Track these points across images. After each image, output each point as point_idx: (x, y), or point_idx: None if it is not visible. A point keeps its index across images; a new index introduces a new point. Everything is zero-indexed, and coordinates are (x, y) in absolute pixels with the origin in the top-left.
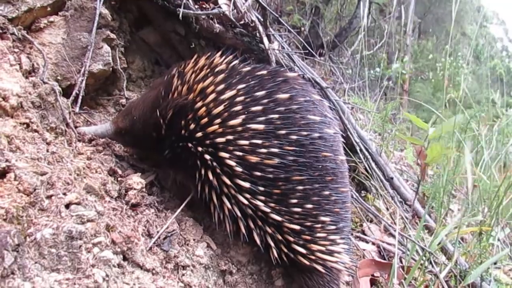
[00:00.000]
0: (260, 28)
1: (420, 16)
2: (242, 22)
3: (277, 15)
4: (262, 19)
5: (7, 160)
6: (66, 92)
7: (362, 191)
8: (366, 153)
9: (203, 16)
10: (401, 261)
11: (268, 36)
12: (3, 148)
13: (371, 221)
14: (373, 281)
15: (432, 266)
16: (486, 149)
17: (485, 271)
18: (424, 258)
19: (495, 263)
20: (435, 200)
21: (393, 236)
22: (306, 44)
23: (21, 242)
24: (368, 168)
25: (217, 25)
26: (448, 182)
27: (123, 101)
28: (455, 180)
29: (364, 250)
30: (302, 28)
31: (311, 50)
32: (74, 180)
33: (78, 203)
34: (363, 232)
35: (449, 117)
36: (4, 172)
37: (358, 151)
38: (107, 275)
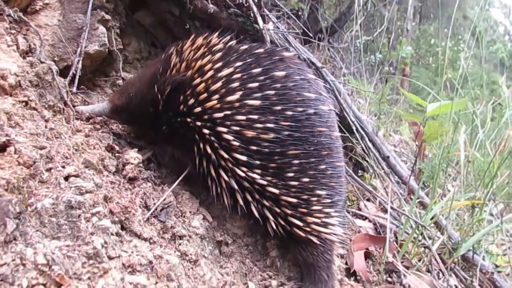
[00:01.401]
0: (254, 8)
1: (421, 0)
2: (236, 3)
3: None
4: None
5: (7, 135)
6: (63, 73)
7: (359, 171)
8: (362, 133)
9: None
10: (395, 236)
11: (262, 17)
12: (2, 123)
13: (367, 200)
14: (367, 255)
15: (425, 240)
16: (481, 128)
17: (477, 244)
18: (417, 232)
19: (488, 237)
20: (430, 177)
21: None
22: (305, 29)
23: (22, 210)
24: (364, 148)
25: (211, 5)
26: (443, 159)
27: (120, 82)
28: (450, 158)
29: (360, 227)
30: (300, 13)
31: (310, 35)
32: (72, 155)
33: (76, 176)
34: (359, 210)
35: (448, 98)
36: (4, 146)
37: (355, 130)
38: (105, 242)
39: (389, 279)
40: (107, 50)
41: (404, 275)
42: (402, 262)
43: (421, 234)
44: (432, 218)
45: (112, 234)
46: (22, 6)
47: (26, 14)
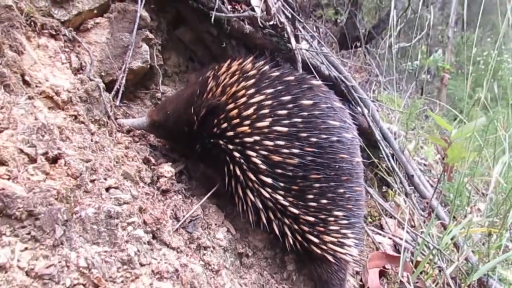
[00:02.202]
0: (288, 28)
1: (464, 7)
2: (271, 23)
3: (301, 20)
4: (290, 20)
5: (58, 148)
6: (109, 86)
7: (384, 186)
8: (387, 151)
9: (235, 18)
10: (412, 256)
11: (296, 36)
12: (55, 137)
13: (391, 216)
14: (382, 273)
15: (440, 262)
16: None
17: (492, 270)
18: (432, 253)
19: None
20: (451, 199)
21: (407, 232)
22: (341, 36)
23: (69, 218)
24: (389, 165)
25: (247, 26)
26: (463, 183)
27: (159, 95)
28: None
29: (379, 243)
30: (338, 20)
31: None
32: (113, 167)
33: (116, 187)
34: (380, 226)
35: (477, 117)
36: (56, 159)
37: (381, 148)
38: (138, 250)
39: None
40: (148, 65)
41: None
42: (416, 283)
43: (437, 255)
44: (452, 239)
45: (144, 243)
46: (76, 25)
47: (78, 32)
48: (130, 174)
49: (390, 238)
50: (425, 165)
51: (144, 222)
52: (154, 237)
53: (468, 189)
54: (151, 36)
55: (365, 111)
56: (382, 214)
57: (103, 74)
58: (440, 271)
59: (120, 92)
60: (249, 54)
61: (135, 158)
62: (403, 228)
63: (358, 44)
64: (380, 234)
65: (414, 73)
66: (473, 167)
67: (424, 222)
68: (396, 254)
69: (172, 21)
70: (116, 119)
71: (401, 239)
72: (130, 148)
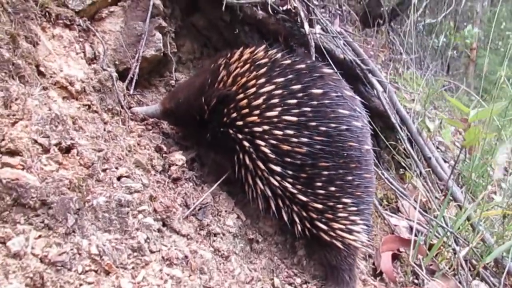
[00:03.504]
0: (302, 13)
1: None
2: (284, 8)
3: (316, 3)
4: (304, 4)
5: (71, 138)
6: (123, 74)
7: (401, 169)
8: (403, 134)
9: (247, 5)
10: (426, 238)
11: (310, 21)
12: (68, 128)
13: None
14: (396, 256)
15: (457, 244)
16: None
17: (507, 251)
18: (447, 236)
19: None
20: (467, 180)
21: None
22: (364, 14)
23: (81, 207)
24: (406, 148)
25: (260, 12)
26: (479, 165)
27: (173, 82)
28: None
29: (395, 225)
30: None
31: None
32: (125, 156)
33: (127, 176)
34: (397, 209)
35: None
36: (69, 149)
37: (398, 130)
38: (148, 238)
39: (416, 281)
40: (162, 53)
41: (427, 280)
42: (430, 265)
43: (451, 238)
44: (468, 220)
45: (154, 230)
46: (90, 14)
47: (93, 21)
48: (142, 162)
49: (406, 220)
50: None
51: (155, 210)
52: (164, 225)
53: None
54: (164, 24)
55: (381, 93)
56: (398, 197)
57: (117, 62)
58: (454, 253)
59: (134, 80)
60: (263, 40)
61: (147, 147)
62: (419, 212)
63: (382, 22)
64: (395, 217)
65: (440, 50)
66: (493, 147)
67: (440, 205)
68: (409, 237)
69: (186, 8)
70: (129, 107)
71: (416, 222)
72: (143, 137)
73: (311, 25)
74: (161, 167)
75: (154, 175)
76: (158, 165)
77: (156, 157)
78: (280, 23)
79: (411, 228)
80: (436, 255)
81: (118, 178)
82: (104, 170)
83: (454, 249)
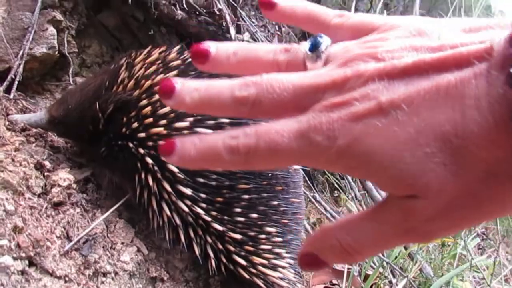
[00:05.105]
0: (227, 17)
1: (425, 12)
2: (208, 10)
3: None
4: (231, 8)
5: None
6: (4, 75)
7: (335, 191)
8: None
9: (164, 1)
10: (361, 269)
11: (238, 26)
12: None
13: None
14: None
15: (393, 276)
16: None
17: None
18: (383, 266)
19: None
20: None
21: None
22: (303, 36)
23: None
24: None
25: (179, 11)
26: None
27: (72, 87)
28: None
29: None
30: None
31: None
32: None
33: None
34: None
35: None
36: None
37: None
38: (2, 284)
39: None
40: (57, 53)
41: None
42: None
43: (388, 268)
44: (406, 249)
45: (13, 273)
46: None
47: None
48: (12, 183)
49: None
50: None
51: (18, 246)
52: (32, 264)
53: None
54: (60, 17)
55: None
56: (332, 221)
57: None
58: (391, 285)
59: (16, 82)
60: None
61: (24, 163)
62: None
63: None
64: None
65: None
66: None
67: None
68: (343, 268)
69: (94, 3)
70: (7, 114)
71: None
72: (21, 151)
73: (238, 31)
74: (40, 188)
75: (29, 198)
76: (37, 186)
77: (34, 176)
78: (203, 26)
79: None
80: (371, 287)
81: None
82: None
83: (390, 281)
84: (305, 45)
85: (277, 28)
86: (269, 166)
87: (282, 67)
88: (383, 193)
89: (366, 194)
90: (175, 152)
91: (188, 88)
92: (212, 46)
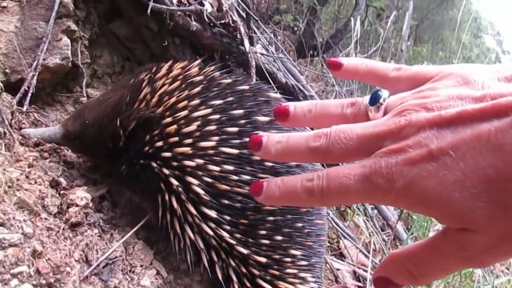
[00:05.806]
0: (242, 29)
1: (417, 22)
2: (222, 22)
3: (256, 18)
4: (245, 20)
5: None
6: (15, 86)
7: (342, 206)
8: None
9: (179, 13)
10: None
11: (250, 38)
12: None
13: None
14: None
15: None
16: None
17: None
18: None
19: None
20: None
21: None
22: (299, 44)
23: None
24: None
25: (194, 23)
26: None
27: (84, 99)
28: None
29: (338, 270)
30: (295, 28)
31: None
32: (3, 194)
33: (1, 224)
34: (339, 251)
35: None
36: None
37: None
38: None
39: None
40: (70, 63)
41: None
42: None
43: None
44: None
45: None
46: None
47: None
48: (28, 202)
49: (349, 264)
50: None
51: (38, 272)
52: None
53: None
54: (74, 27)
55: None
56: (340, 237)
57: (7, 71)
58: None
59: (29, 94)
60: (196, 55)
61: (39, 180)
62: (363, 254)
63: (316, 53)
64: (337, 261)
65: (369, 85)
66: None
67: (389, 244)
68: (358, 285)
69: (106, 13)
70: (20, 128)
71: (363, 267)
72: (35, 167)
73: (251, 44)
74: (56, 208)
75: (45, 219)
76: (52, 205)
77: (50, 195)
78: (217, 38)
79: (354, 272)
80: None
81: None
82: None
83: None
84: (366, 99)
85: (273, 36)
86: (340, 203)
87: (349, 119)
88: (392, 208)
89: (375, 208)
90: (262, 192)
91: (272, 141)
92: (291, 106)
